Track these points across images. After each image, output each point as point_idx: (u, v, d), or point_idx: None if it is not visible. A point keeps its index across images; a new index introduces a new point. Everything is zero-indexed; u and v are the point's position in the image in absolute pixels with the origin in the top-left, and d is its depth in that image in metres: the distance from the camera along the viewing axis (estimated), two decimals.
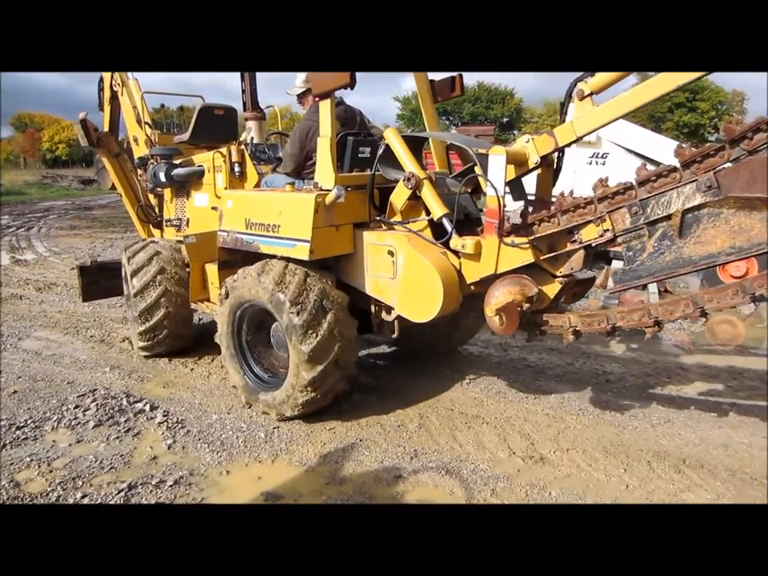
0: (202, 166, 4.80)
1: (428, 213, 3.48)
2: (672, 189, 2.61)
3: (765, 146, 2.35)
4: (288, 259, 3.58)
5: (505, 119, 51.64)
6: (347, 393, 3.92)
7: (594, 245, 2.96)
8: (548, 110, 52.28)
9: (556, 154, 3.19)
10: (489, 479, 3.12)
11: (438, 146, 4.46)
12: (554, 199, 3.21)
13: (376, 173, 3.65)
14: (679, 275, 2.76)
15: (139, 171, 5.55)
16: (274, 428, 3.69)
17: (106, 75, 5.67)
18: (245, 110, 5.45)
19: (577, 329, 3.14)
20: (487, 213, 3.15)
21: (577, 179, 7.79)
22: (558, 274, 3.14)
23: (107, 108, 5.81)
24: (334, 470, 3.23)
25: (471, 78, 48.37)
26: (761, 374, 4.58)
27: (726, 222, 2.53)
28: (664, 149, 8.27)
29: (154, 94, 5.71)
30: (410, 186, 3.41)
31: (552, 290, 3.18)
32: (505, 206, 3.08)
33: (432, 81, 4.32)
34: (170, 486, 3.06)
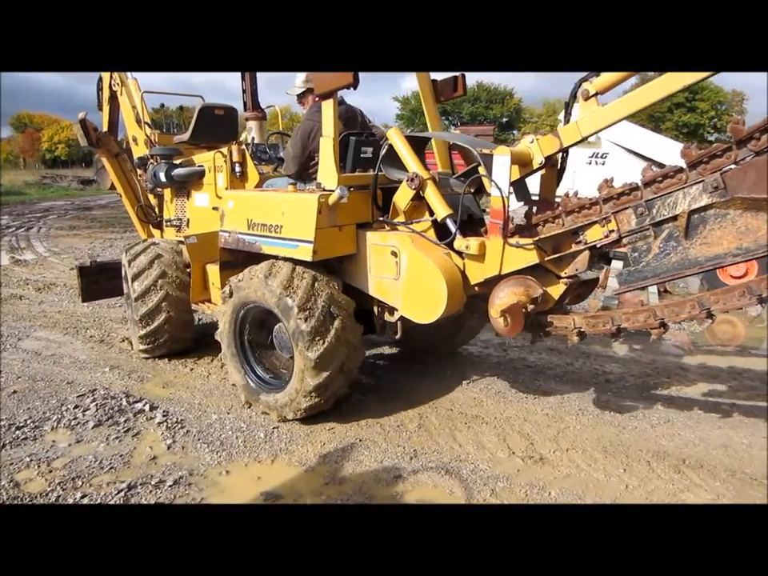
0: (202, 166, 4.79)
1: (431, 213, 3.46)
2: (678, 189, 2.60)
3: None
4: (293, 261, 3.55)
5: (504, 119, 51.75)
6: (347, 393, 3.92)
7: (599, 246, 2.94)
8: (547, 109, 52.40)
9: (560, 154, 3.18)
10: (488, 479, 3.11)
11: (439, 146, 4.45)
12: (557, 200, 3.20)
13: (379, 173, 3.63)
14: (685, 276, 2.75)
15: (139, 171, 5.53)
16: (274, 428, 3.69)
17: (105, 75, 5.65)
18: (245, 110, 5.45)
19: (582, 330, 3.13)
20: (491, 213, 3.13)
21: (576, 179, 7.81)
22: (562, 274, 3.12)
23: (106, 108, 5.80)
24: (333, 469, 3.22)
25: (471, 78, 48.55)
26: (761, 374, 4.58)
27: (733, 223, 2.53)
28: (663, 149, 8.30)
29: (154, 93, 5.70)
30: (413, 187, 3.40)
31: (557, 291, 3.16)
32: (509, 206, 3.07)
33: (434, 81, 4.31)
34: (170, 486, 3.06)
